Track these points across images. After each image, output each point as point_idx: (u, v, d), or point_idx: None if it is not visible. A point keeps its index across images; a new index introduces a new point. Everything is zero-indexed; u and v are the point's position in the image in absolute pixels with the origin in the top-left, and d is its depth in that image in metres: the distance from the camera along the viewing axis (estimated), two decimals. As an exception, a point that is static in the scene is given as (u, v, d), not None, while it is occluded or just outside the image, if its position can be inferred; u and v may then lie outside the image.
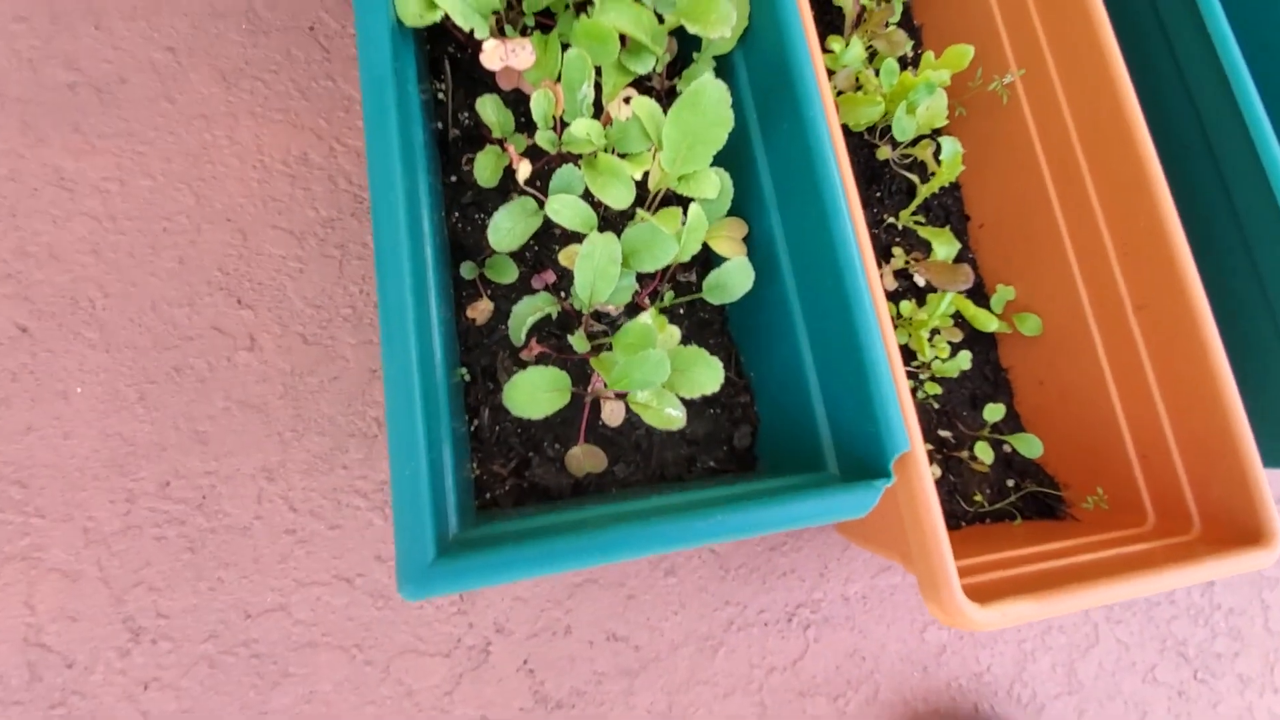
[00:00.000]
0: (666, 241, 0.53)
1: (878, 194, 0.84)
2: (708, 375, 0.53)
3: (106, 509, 0.68)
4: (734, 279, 0.57)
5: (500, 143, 0.62)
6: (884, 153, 0.83)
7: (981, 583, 0.56)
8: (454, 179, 0.66)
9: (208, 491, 0.69)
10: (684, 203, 0.67)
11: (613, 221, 0.66)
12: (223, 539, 0.69)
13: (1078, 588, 0.53)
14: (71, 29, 0.79)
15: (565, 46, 0.64)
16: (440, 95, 0.67)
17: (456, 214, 0.65)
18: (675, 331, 0.58)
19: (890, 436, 0.50)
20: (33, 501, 0.67)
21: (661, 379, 0.48)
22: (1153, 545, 0.65)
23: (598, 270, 0.54)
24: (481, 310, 0.62)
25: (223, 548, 0.68)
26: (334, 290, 0.76)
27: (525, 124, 0.67)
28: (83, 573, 0.66)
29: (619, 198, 0.55)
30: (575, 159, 0.60)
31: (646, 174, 0.56)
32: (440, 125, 0.67)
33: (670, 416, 0.53)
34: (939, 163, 0.75)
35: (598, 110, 0.63)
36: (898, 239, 0.82)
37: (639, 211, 0.55)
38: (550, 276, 0.64)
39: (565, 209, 0.54)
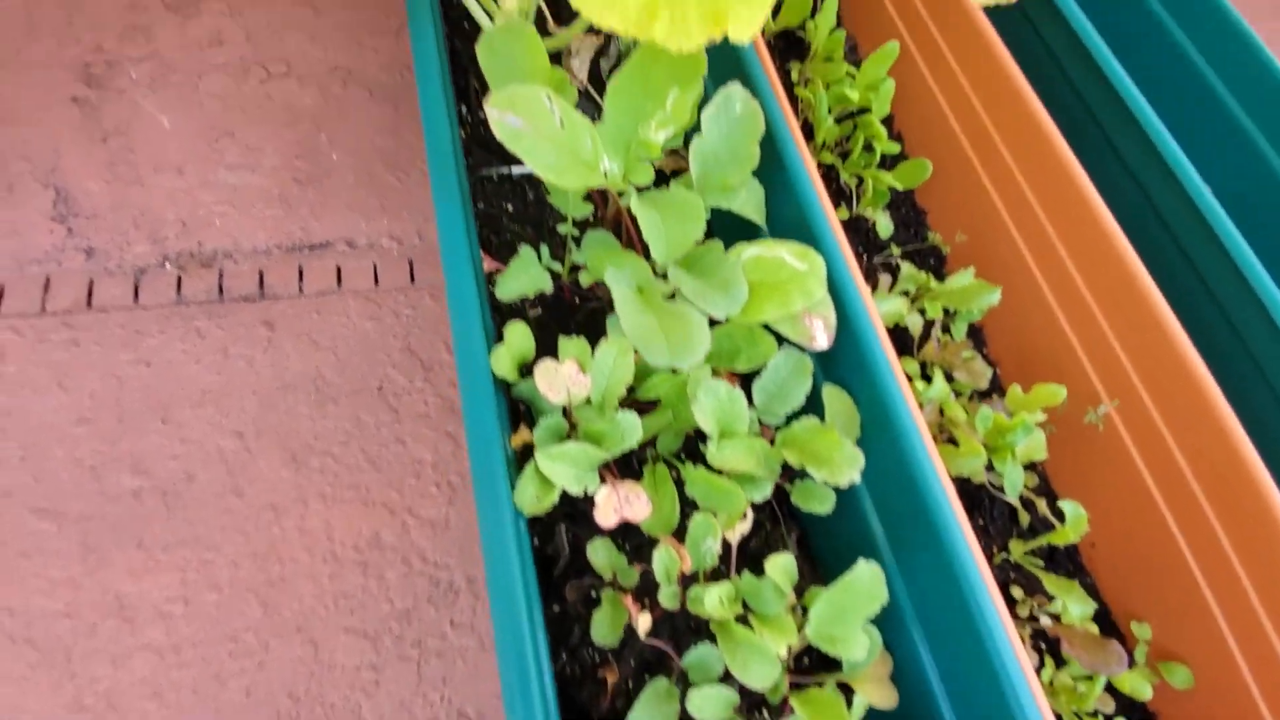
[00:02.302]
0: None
1: (980, 522, 0.80)
2: None
3: None
4: (903, 764, 0.50)
5: (614, 585, 0.57)
6: (979, 477, 0.80)
7: None
8: (556, 609, 0.61)
9: None
10: (825, 656, 0.61)
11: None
12: None
13: None
14: (139, 426, 0.77)
15: (670, 466, 0.61)
16: (535, 509, 0.64)
17: (564, 656, 0.59)
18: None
19: None
20: None
21: None
22: None
23: (754, 780, 0.47)
24: (604, 785, 0.55)
25: None
26: (413, 702, 0.69)
27: (635, 555, 0.62)
28: None
29: (763, 676, 0.49)
30: (698, 627, 0.55)
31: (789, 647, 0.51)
32: (536, 541, 0.63)
33: None
34: (1057, 517, 0.71)
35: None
36: (1013, 575, 0.77)
37: (791, 697, 0.49)
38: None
39: (708, 704, 0.49)
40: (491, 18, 0.74)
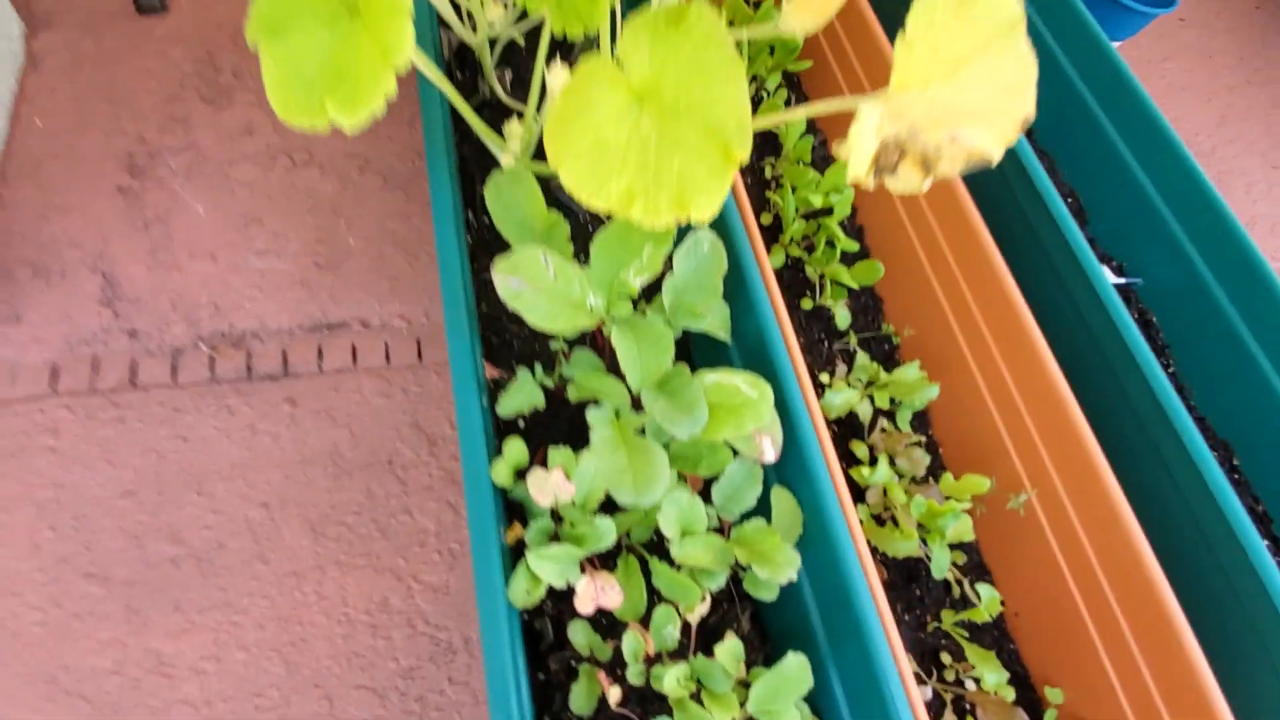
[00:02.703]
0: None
1: (917, 593, 0.90)
2: None
3: None
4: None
5: (591, 660, 0.67)
6: (917, 552, 0.90)
7: None
8: (542, 677, 0.71)
9: None
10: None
11: None
12: None
13: None
14: (176, 499, 0.87)
15: (640, 558, 0.72)
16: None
17: (547, 718, 0.69)
18: None
19: None
20: None
21: None
22: None
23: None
24: (578, 832, 0.65)
25: None
26: (415, 751, 0.79)
27: (609, 631, 0.72)
28: None
29: (711, 745, 0.59)
30: (662, 697, 0.65)
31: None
32: (526, 616, 0.73)
33: None
34: (977, 595, 0.82)
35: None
36: (944, 641, 0.87)
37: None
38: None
39: (666, 770, 0.59)
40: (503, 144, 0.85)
